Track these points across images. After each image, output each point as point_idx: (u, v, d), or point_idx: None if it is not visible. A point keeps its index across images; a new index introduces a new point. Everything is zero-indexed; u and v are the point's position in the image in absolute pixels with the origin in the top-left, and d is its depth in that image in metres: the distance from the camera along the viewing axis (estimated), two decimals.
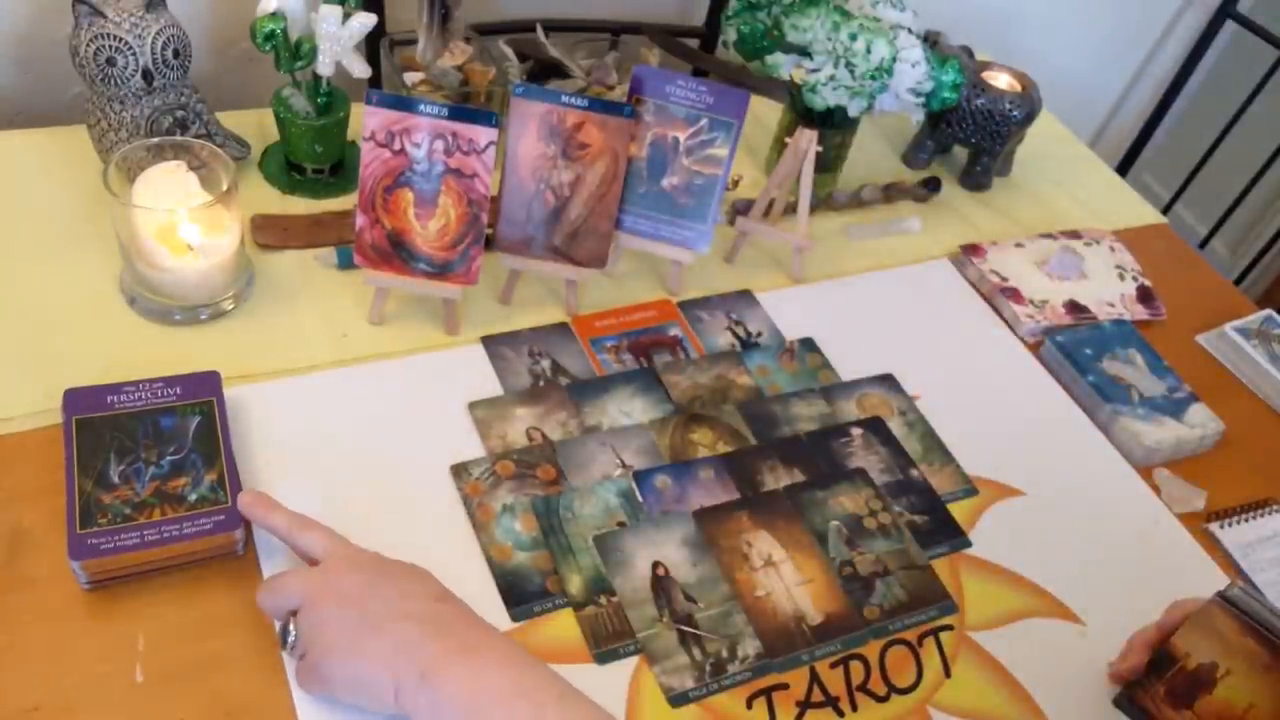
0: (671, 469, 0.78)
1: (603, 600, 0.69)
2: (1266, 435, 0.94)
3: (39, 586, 0.63)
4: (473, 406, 0.79)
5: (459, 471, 0.74)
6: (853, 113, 0.96)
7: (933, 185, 1.11)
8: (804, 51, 0.95)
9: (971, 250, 1.04)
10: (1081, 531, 0.81)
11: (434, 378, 0.80)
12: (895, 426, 0.85)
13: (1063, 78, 1.36)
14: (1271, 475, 0.89)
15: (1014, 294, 0.99)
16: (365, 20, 0.85)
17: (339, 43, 0.85)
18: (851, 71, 0.92)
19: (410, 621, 0.56)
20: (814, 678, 0.68)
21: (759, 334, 0.91)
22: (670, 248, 0.89)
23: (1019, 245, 1.05)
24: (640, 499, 0.75)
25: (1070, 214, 1.15)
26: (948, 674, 0.70)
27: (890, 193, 1.09)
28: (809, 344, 0.91)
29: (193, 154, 0.79)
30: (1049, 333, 0.97)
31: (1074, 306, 1.00)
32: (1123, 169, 1.69)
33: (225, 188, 0.77)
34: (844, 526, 0.76)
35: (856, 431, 0.84)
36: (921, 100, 0.97)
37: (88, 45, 0.80)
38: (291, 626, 0.59)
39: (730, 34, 0.98)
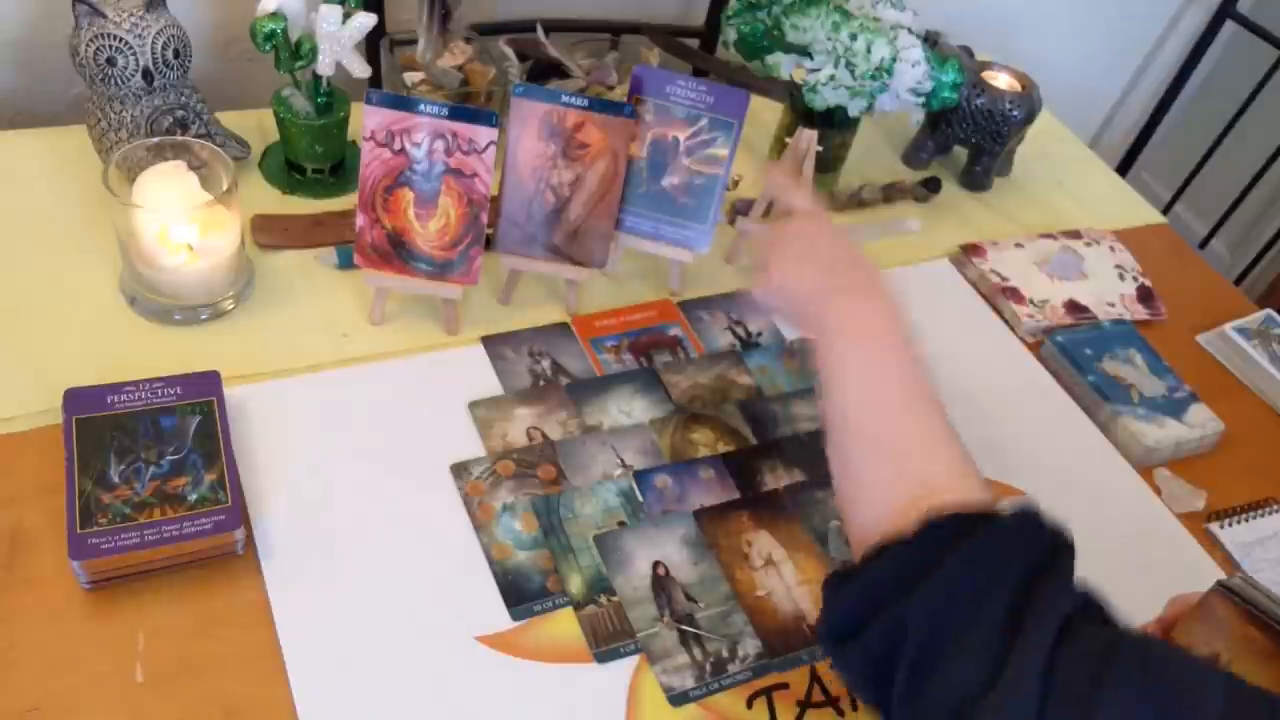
0: (672, 469, 0.78)
1: (603, 600, 0.69)
2: (1266, 435, 0.94)
3: (39, 586, 0.63)
4: (473, 406, 0.79)
5: (459, 471, 0.74)
6: (853, 113, 0.96)
7: (933, 185, 1.11)
8: (804, 51, 0.95)
9: (971, 250, 1.03)
10: (1081, 531, 0.81)
11: (434, 378, 0.80)
12: None
13: (1063, 78, 1.36)
14: (1271, 475, 0.89)
15: (1014, 294, 0.99)
16: (365, 20, 0.85)
17: (339, 42, 0.85)
18: (851, 71, 0.92)
19: (842, 262, 0.69)
20: (814, 677, 0.68)
21: (759, 334, 0.91)
22: (670, 247, 0.89)
23: (1019, 245, 1.05)
24: (640, 499, 0.75)
25: (1070, 214, 1.15)
26: None
27: (890, 193, 1.09)
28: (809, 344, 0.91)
29: (193, 154, 0.79)
30: (1049, 333, 0.97)
31: (1074, 306, 1.00)
32: (1123, 169, 1.69)
33: (225, 188, 0.77)
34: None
35: None
36: (921, 100, 0.97)
37: (88, 45, 0.80)
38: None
39: (730, 34, 0.98)
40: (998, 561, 0.50)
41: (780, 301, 0.71)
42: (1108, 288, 1.03)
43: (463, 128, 0.76)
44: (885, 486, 0.57)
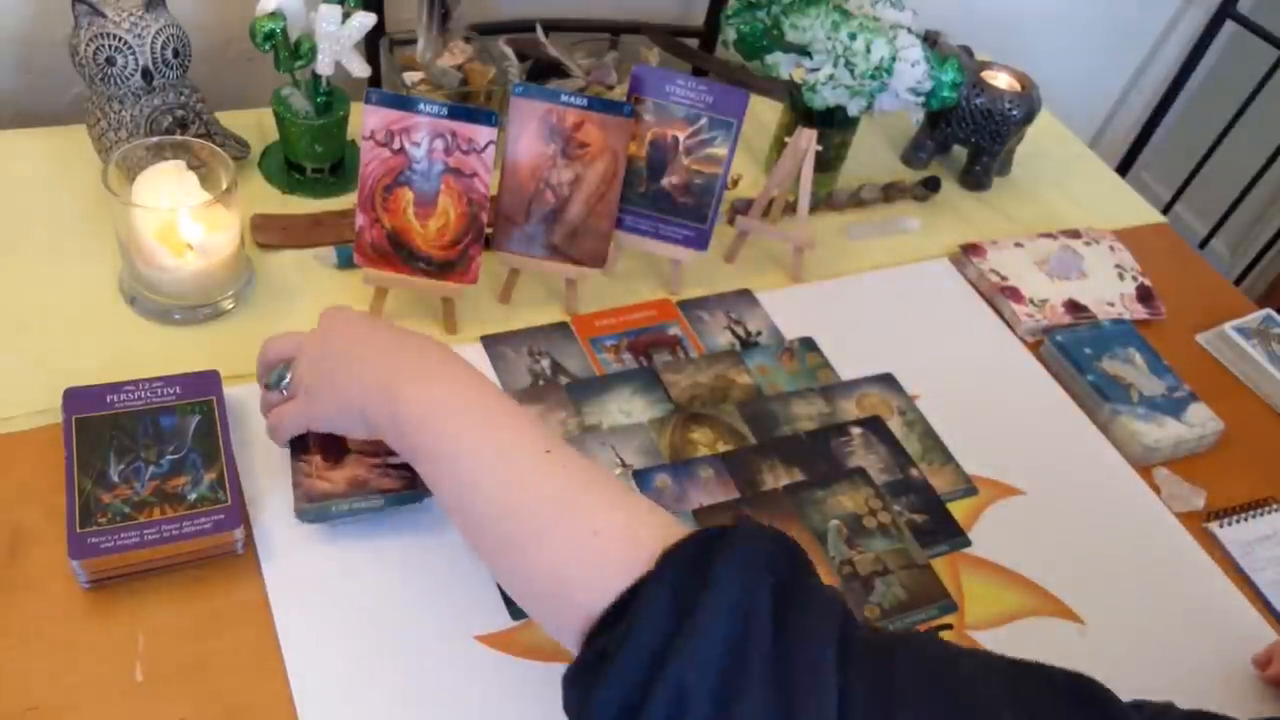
0: (671, 468, 0.78)
1: None
2: (1266, 435, 0.94)
3: (39, 586, 0.63)
4: None
5: None
6: (852, 112, 0.96)
7: (932, 185, 1.11)
8: (804, 51, 0.95)
9: (971, 250, 1.04)
10: (1081, 531, 0.81)
11: None
12: (895, 426, 0.85)
13: (1063, 78, 1.36)
14: (1271, 475, 0.89)
15: (1014, 293, 0.99)
16: (365, 20, 0.85)
17: (338, 42, 0.85)
18: (851, 71, 0.92)
19: (386, 352, 0.60)
20: None
21: (759, 333, 0.91)
22: (670, 247, 0.89)
23: (1019, 245, 1.05)
24: None
25: (1070, 214, 1.15)
26: None
27: (890, 192, 1.09)
28: (809, 343, 0.91)
29: (193, 154, 0.79)
30: (1049, 332, 0.97)
31: (1074, 306, 1.00)
32: (1123, 169, 1.69)
33: (225, 187, 0.77)
34: (844, 526, 0.76)
35: (856, 431, 0.84)
36: (921, 100, 0.97)
37: (88, 45, 0.80)
38: (288, 373, 0.66)
39: (730, 34, 0.98)
40: (749, 585, 0.44)
41: (359, 426, 0.62)
42: (1107, 287, 1.03)
43: (462, 127, 0.76)
44: (582, 553, 0.49)
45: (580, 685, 0.47)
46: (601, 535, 0.49)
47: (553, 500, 0.52)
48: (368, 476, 0.68)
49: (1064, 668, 0.46)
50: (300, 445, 0.69)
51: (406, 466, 0.70)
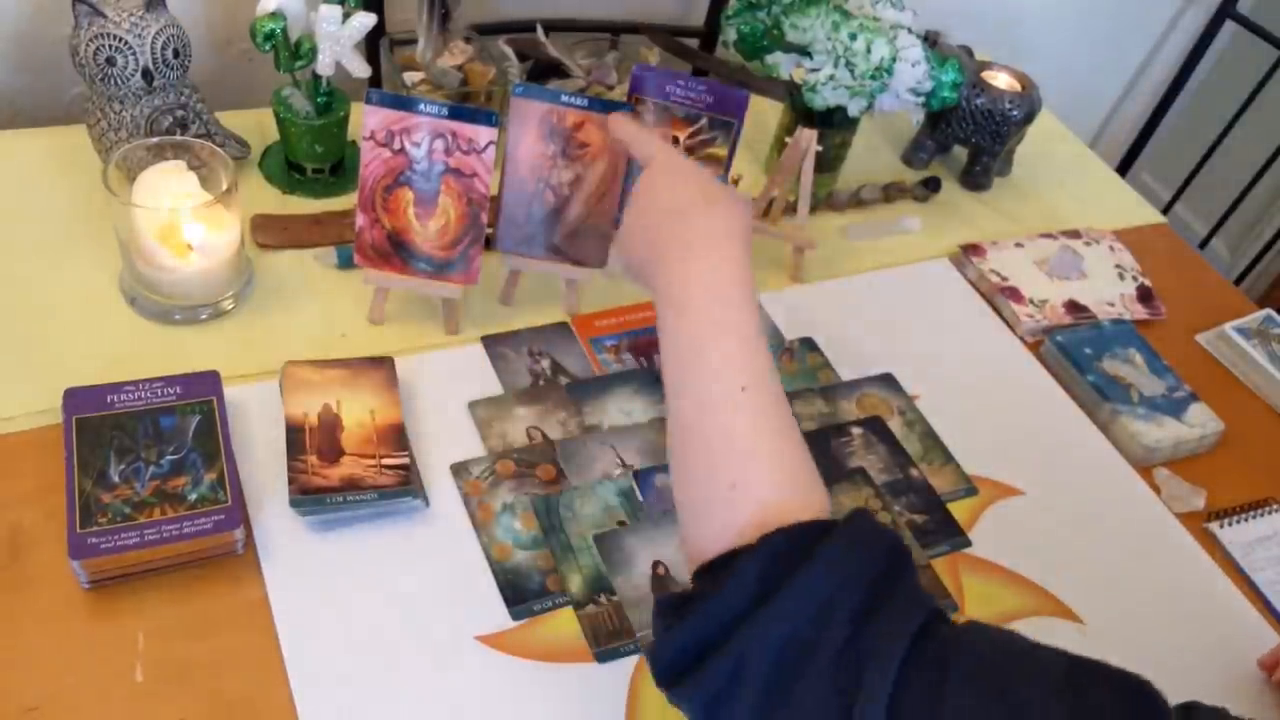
0: None
1: (603, 599, 0.69)
2: (1266, 435, 0.94)
3: (39, 586, 0.63)
4: (473, 406, 0.79)
5: (459, 470, 0.74)
6: (853, 112, 0.96)
7: (933, 185, 1.11)
8: (804, 51, 0.95)
9: (971, 250, 1.04)
10: (1081, 531, 0.81)
11: (434, 377, 0.80)
12: (895, 426, 0.85)
13: (1063, 78, 1.36)
14: (1271, 475, 0.89)
15: (1014, 294, 0.99)
16: (365, 20, 0.85)
17: (339, 42, 0.85)
18: (851, 71, 0.92)
19: (698, 229, 0.59)
20: None
21: None
22: None
23: (1019, 245, 1.05)
24: (640, 498, 0.75)
25: (1070, 214, 1.15)
26: None
27: (890, 193, 1.09)
28: (809, 344, 0.91)
29: (193, 154, 0.79)
30: (1049, 332, 0.97)
31: (1074, 306, 1.00)
32: (1123, 169, 1.69)
33: (225, 187, 0.77)
34: None
35: (856, 431, 0.84)
36: (921, 100, 0.97)
37: (88, 45, 0.80)
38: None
39: (730, 34, 0.98)
40: (836, 583, 0.46)
41: (625, 266, 0.65)
42: (1107, 287, 1.03)
43: (462, 127, 0.76)
44: (715, 497, 0.52)
45: (663, 616, 0.50)
46: (736, 490, 0.51)
47: (720, 438, 0.53)
48: (363, 475, 0.68)
49: (1127, 671, 0.46)
50: (297, 445, 0.69)
51: (402, 466, 0.70)
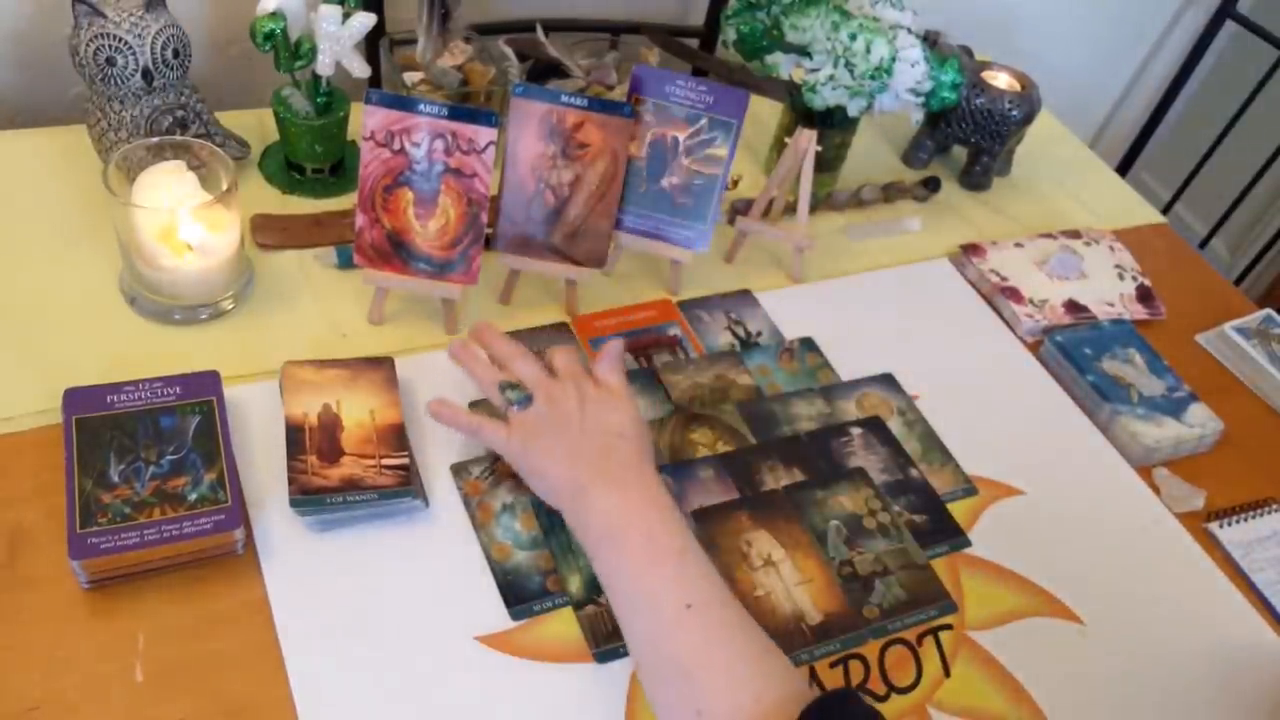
0: (671, 468, 0.78)
1: (603, 599, 0.69)
2: (1266, 435, 0.94)
3: (39, 586, 0.63)
4: (473, 406, 0.79)
5: (459, 470, 0.74)
6: (852, 112, 0.96)
7: (933, 185, 1.11)
8: (804, 51, 0.95)
9: (971, 250, 1.04)
10: (1081, 531, 0.81)
11: (434, 377, 0.80)
12: (895, 426, 0.85)
13: (1063, 78, 1.36)
14: (1271, 475, 0.89)
15: (1014, 294, 0.99)
16: (365, 20, 0.85)
17: (339, 42, 0.85)
18: (851, 71, 0.92)
19: (593, 448, 0.67)
20: (813, 677, 0.68)
21: (759, 334, 0.91)
22: (670, 247, 0.89)
23: (1019, 245, 1.05)
24: None
25: (1070, 214, 1.15)
26: (947, 673, 0.70)
27: (890, 193, 1.09)
28: (809, 344, 0.91)
29: (193, 154, 0.79)
30: (1048, 332, 0.97)
31: (1074, 306, 1.00)
32: (1123, 169, 1.69)
33: (225, 188, 0.77)
34: (843, 526, 0.76)
35: (856, 431, 0.84)
36: (921, 100, 0.97)
37: (88, 45, 0.80)
38: (528, 403, 0.70)
39: (730, 34, 0.98)
40: None
41: (542, 492, 0.69)
42: (1107, 287, 1.03)
43: (462, 128, 0.76)
44: (685, 713, 0.56)
45: None
46: (703, 717, 0.55)
47: (675, 665, 0.57)
48: (363, 475, 0.68)
49: None
50: (297, 445, 0.69)
51: (402, 466, 0.70)
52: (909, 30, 0.95)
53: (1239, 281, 1.83)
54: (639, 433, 0.69)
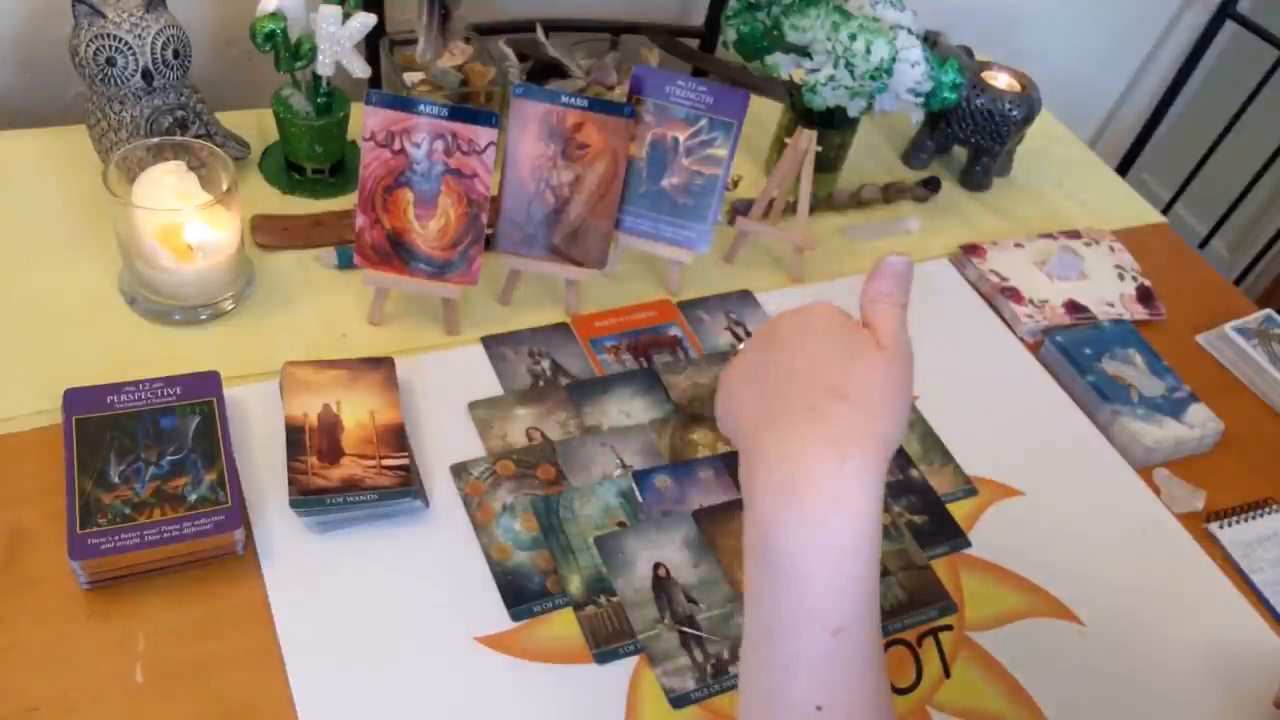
0: (671, 469, 0.78)
1: (603, 600, 0.69)
2: (1266, 435, 0.94)
3: (39, 586, 0.63)
4: (473, 406, 0.79)
5: (459, 471, 0.74)
6: (852, 113, 0.96)
7: (933, 185, 1.11)
8: (804, 51, 0.95)
9: (971, 250, 1.04)
10: (1081, 532, 0.81)
11: (434, 378, 0.80)
12: None
13: (1063, 78, 1.36)
14: (1271, 475, 0.89)
15: (1014, 294, 0.99)
16: (365, 20, 0.85)
17: (339, 43, 0.85)
18: (851, 71, 0.92)
19: (803, 408, 0.52)
20: None
21: None
22: (670, 248, 0.89)
23: (1019, 245, 1.05)
24: (640, 499, 0.75)
25: (1070, 214, 1.15)
26: (947, 674, 0.70)
27: (890, 193, 1.09)
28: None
29: (193, 154, 0.79)
30: (1049, 333, 0.97)
31: (1074, 306, 1.00)
32: (1123, 169, 1.69)
33: (225, 188, 0.77)
34: None
35: None
36: (921, 100, 0.97)
37: (88, 45, 0.80)
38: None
39: (730, 34, 0.98)
40: None
41: (724, 428, 0.57)
42: (1107, 288, 1.03)
43: (463, 128, 0.76)
44: None
45: None
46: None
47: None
48: (363, 476, 0.68)
49: None
50: (297, 446, 0.69)
51: (402, 466, 0.70)
52: (909, 30, 0.95)
53: (1239, 281, 1.83)
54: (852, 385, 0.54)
